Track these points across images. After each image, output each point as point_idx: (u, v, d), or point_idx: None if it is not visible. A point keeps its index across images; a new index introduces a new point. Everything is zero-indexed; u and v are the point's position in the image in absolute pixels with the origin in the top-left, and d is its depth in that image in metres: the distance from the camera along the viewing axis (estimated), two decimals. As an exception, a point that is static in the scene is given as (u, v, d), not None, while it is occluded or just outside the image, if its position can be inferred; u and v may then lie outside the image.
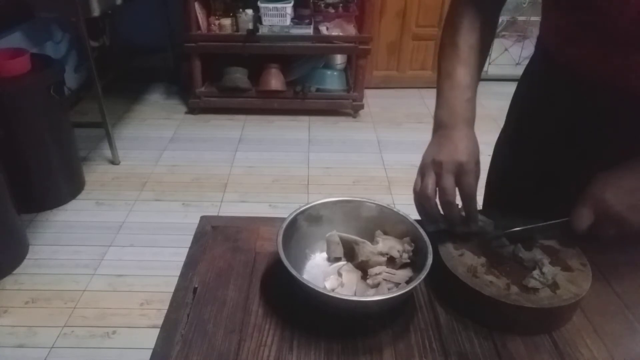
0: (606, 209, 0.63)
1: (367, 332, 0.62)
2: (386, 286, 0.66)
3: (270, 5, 2.82)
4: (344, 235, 0.72)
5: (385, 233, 0.72)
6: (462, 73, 0.73)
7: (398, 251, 0.69)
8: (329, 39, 2.96)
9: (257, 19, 2.88)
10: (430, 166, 0.68)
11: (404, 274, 0.67)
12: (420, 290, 0.69)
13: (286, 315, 0.64)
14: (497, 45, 3.64)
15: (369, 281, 0.67)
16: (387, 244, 0.70)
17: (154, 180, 2.48)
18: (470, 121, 0.72)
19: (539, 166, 0.86)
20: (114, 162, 2.58)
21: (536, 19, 3.36)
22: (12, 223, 1.87)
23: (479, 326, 0.64)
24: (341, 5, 3.04)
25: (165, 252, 2.00)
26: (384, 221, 0.73)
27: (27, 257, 1.94)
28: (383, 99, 3.42)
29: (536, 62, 0.87)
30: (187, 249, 0.75)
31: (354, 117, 3.19)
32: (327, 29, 2.99)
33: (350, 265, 0.71)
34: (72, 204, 2.27)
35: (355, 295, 0.66)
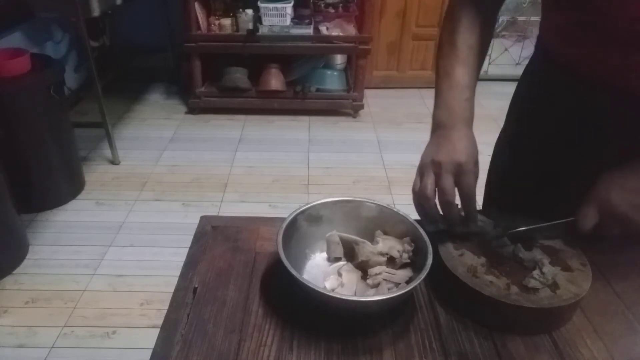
0: (611, 209, 0.63)
1: (367, 332, 0.62)
2: (386, 286, 0.66)
3: (270, 5, 2.82)
4: (344, 235, 0.72)
5: (385, 233, 0.72)
6: (460, 73, 0.73)
7: (398, 251, 0.69)
8: (329, 39, 2.96)
9: (257, 19, 2.88)
10: (429, 166, 0.67)
11: (404, 274, 0.67)
12: (420, 290, 0.69)
13: (286, 315, 0.64)
14: (497, 45, 3.64)
15: (369, 281, 0.67)
16: (387, 244, 0.70)
17: (154, 180, 2.48)
18: (469, 121, 0.72)
19: (539, 166, 0.86)
20: (114, 162, 2.59)
21: (536, 19, 3.36)
22: (12, 223, 1.87)
23: (479, 326, 0.64)
24: (341, 5, 3.04)
25: (165, 252, 2.00)
26: (384, 221, 0.73)
27: (27, 257, 1.94)
28: (383, 99, 3.42)
29: (536, 62, 0.87)
30: (187, 249, 0.75)
31: (354, 117, 3.19)
32: (327, 29, 2.99)
33: (350, 265, 0.71)
34: (72, 204, 2.27)
35: (355, 295, 0.66)
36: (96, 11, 2.31)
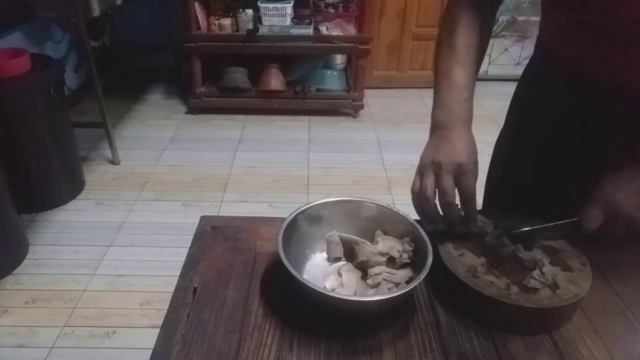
0: (617, 210, 0.64)
1: (367, 332, 0.62)
2: (386, 286, 0.66)
3: (270, 5, 2.82)
4: (344, 235, 0.72)
5: (385, 233, 0.72)
6: (459, 73, 0.73)
7: (398, 251, 0.69)
8: (329, 39, 2.96)
9: (257, 19, 2.88)
10: (429, 167, 0.67)
11: (404, 274, 0.67)
12: (420, 290, 0.69)
13: (286, 315, 0.64)
14: (497, 45, 3.65)
15: (369, 281, 0.67)
16: (387, 244, 0.70)
17: (154, 180, 2.48)
18: (468, 121, 0.72)
19: (539, 166, 0.86)
20: (114, 162, 2.59)
21: (536, 19, 3.36)
22: (12, 223, 1.87)
23: (479, 326, 0.64)
24: (341, 5, 3.04)
25: (165, 252, 2.00)
26: (384, 221, 0.73)
27: (27, 257, 1.94)
28: (383, 99, 3.42)
29: (536, 62, 0.87)
30: (187, 249, 0.75)
31: (354, 117, 3.19)
32: (327, 29, 2.99)
33: (350, 265, 0.71)
34: (72, 204, 2.27)
35: (355, 295, 0.66)
36: (96, 11, 2.31)
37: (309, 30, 2.92)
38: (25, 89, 1.98)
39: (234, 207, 2.29)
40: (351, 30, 3.03)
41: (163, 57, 3.43)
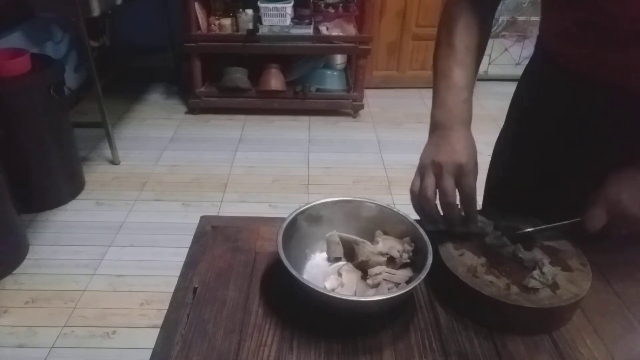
0: (622, 210, 0.64)
1: (367, 332, 0.62)
2: (386, 286, 0.66)
3: (270, 5, 2.82)
4: (344, 235, 0.72)
5: (385, 233, 0.72)
6: (458, 74, 0.73)
7: (398, 251, 0.69)
8: (329, 39, 2.96)
9: (257, 19, 2.88)
10: (430, 167, 0.67)
11: (404, 274, 0.67)
12: (420, 290, 0.69)
13: (286, 315, 0.64)
14: (497, 45, 3.65)
15: (369, 281, 0.67)
16: (387, 244, 0.70)
17: (154, 180, 2.48)
18: (467, 122, 0.71)
19: (539, 166, 0.86)
20: (114, 162, 2.59)
21: (536, 19, 3.36)
22: (12, 223, 1.87)
23: (479, 326, 0.64)
24: (341, 5, 3.04)
25: (165, 252, 2.00)
26: (384, 221, 0.73)
27: (27, 257, 1.94)
28: (383, 99, 3.42)
29: (536, 62, 0.87)
30: (187, 249, 0.75)
31: (354, 117, 3.19)
32: (327, 29, 2.99)
33: (350, 265, 0.71)
34: (72, 204, 2.27)
35: (355, 295, 0.66)
36: (96, 11, 2.31)
37: (309, 30, 2.92)
38: (25, 89, 1.98)
39: (234, 207, 2.29)
40: (351, 30, 3.03)
41: (163, 57, 3.43)
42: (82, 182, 2.39)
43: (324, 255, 0.73)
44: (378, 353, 0.60)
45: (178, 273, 0.70)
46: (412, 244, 0.69)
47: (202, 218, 0.82)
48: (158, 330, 0.61)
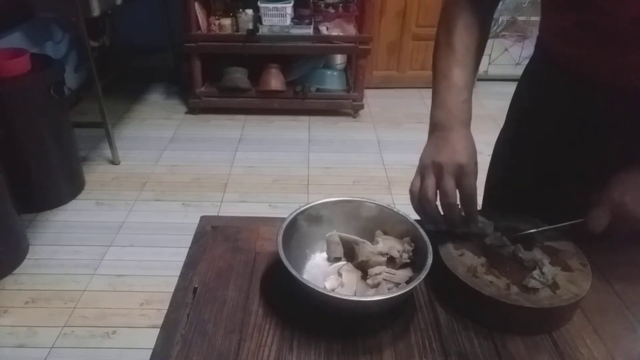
0: (626, 212, 0.64)
1: (367, 332, 0.62)
2: (386, 286, 0.66)
3: (270, 5, 2.82)
4: (344, 235, 0.72)
5: (385, 233, 0.72)
6: (458, 74, 0.73)
7: (398, 251, 0.69)
8: (329, 39, 2.96)
9: (257, 19, 2.88)
10: (430, 168, 0.67)
11: (404, 274, 0.67)
12: (420, 290, 0.69)
13: (286, 315, 0.64)
14: (497, 45, 3.65)
15: (369, 281, 0.67)
16: (387, 244, 0.70)
17: (154, 180, 2.48)
18: (467, 122, 0.71)
19: (539, 166, 0.86)
20: (114, 162, 2.59)
21: (536, 19, 3.35)
22: (12, 223, 1.87)
23: (479, 326, 0.64)
24: (341, 5, 3.04)
25: (165, 252, 2.00)
26: (384, 221, 0.73)
27: (27, 257, 1.94)
28: (383, 99, 3.42)
29: (536, 62, 0.87)
30: (187, 249, 0.75)
31: (354, 117, 3.19)
32: (327, 29, 2.99)
33: (350, 265, 0.71)
34: (72, 204, 2.27)
35: (355, 295, 0.66)
36: (96, 11, 2.31)
37: (309, 30, 2.92)
38: (25, 89, 1.98)
39: (234, 207, 2.29)
40: (351, 30, 3.03)
41: (163, 57, 3.43)
42: (82, 182, 2.39)
43: (324, 255, 0.73)
44: (378, 353, 0.60)
45: (178, 273, 0.70)
46: (412, 244, 0.69)
47: (202, 218, 0.82)
48: (158, 330, 0.61)
